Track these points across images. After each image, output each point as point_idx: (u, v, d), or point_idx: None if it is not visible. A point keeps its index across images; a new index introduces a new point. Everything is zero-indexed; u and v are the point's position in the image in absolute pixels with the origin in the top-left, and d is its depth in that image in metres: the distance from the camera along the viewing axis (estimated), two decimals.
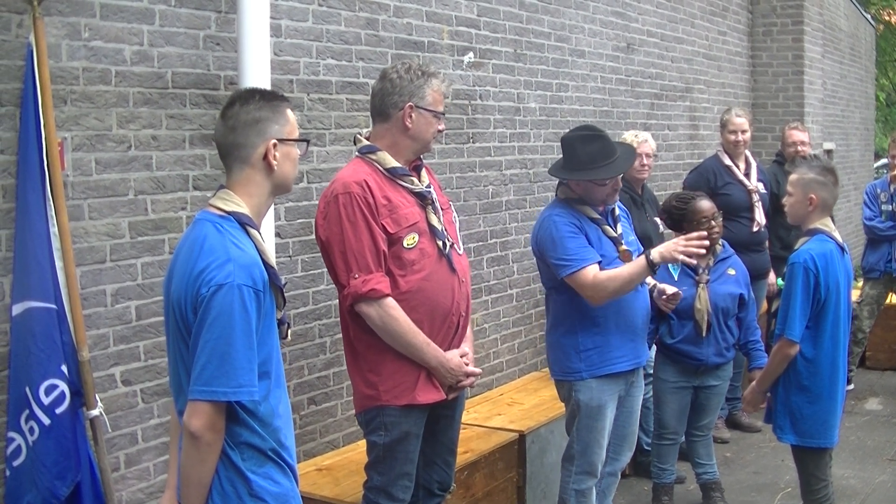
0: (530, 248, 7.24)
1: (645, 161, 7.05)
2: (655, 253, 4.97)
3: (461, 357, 4.48)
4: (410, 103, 4.36)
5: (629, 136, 7.18)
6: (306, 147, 3.38)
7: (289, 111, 3.27)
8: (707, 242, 5.05)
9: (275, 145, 3.19)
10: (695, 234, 5.06)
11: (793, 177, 5.15)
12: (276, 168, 3.20)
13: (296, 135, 3.29)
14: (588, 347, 5.13)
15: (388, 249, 4.28)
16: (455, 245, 4.50)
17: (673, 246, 4.98)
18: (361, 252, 4.22)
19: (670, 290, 5.36)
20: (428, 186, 4.46)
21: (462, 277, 4.50)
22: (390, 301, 4.25)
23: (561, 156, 5.20)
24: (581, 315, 5.11)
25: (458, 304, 4.48)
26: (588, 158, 5.06)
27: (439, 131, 4.50)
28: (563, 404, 5.49)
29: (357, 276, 4.22)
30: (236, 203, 3.17)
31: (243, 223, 3.14)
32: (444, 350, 4.41)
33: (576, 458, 5.28)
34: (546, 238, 5.12)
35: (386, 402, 4.35)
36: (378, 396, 4.36)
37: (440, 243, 4.39)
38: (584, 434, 5.22)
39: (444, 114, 4.48)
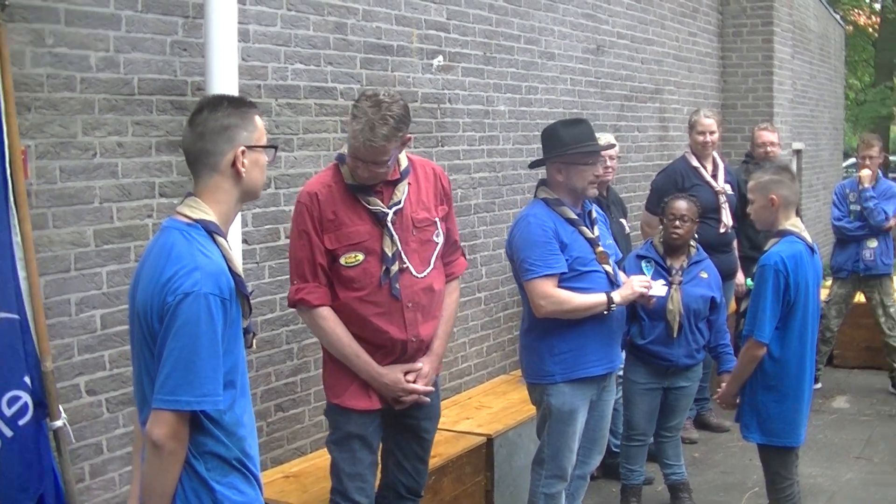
0: (499, 251, 7.31)
1: (608, 163, 7.06)
2: (617, 295, 5.12)
3: (407, 373, 4.49)
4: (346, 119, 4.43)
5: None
6: (274, 153, 3.36)
7: (257, 117, 3.26)
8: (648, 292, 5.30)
9: (243, 152, 3.17)
10: (646, 281, 5.30)
11: (750, 184, 5.21)
12: (244, 175, 3.18)
13: (264, 141, 3.27)
14: (563, 351, 5.14)
15: (330, 265, 4.36)
16: (409, 268, 4.43)
17: (630, 293, 5.19)
18: (300, 262, 4.38)
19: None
20: (395, 204, 4.40)
21: (409, 302, 4.43)
22: (321, 311, 4.37)
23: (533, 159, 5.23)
24: (557, 318, 5.12)
25: (404, 330, 4.45)
26: (572, 139, 5.11)
27: (360, 174, 4.34)
28: (530, 407, 5.51)
29: (295, 282, 4.40)
30: (203, 211, 3.15)
31: (210, 231, 3.12)
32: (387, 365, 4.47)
33: (546, 461, 5.29)
34: (516, 238, 5.15)
35: (328, 398, 4.53)
36: (325, 390, 4.55)
37: (384, 268, 4.37)
38: (554, 438, 5.23)
39: (362, 160, 4.29)
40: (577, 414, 5.21)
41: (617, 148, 7.29)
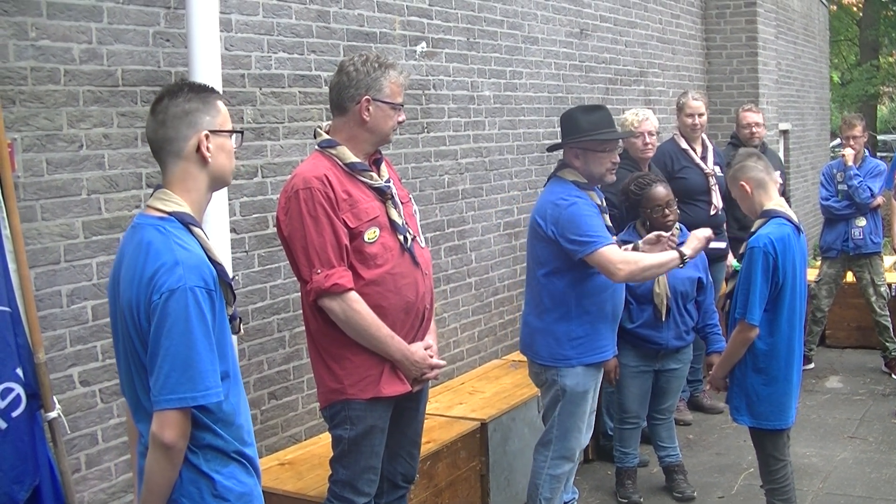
0: (487, 236, 7.32)
1: (648, 139, 7.12)
2: (688, 249, 5.21)
3: (425, 349, 4.48)
4: (367, 96, 4.32)
5: (630, 116, 7.23)
6: (240, 139, 3.34)
7: (220, 103, 3.22)
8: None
9: (207, 137, 3.13)
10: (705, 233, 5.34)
11: (727, 179, 5.32)
12: (210, 160, 3.14)
13: (228, 126, 3.23)
14: (580, 336, 5.25)
15: (350, 244, 4.26)
16: (417, 238, 4.49)
17: (698, 244, 5.27)
18: (323, 247, 4.20)
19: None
20: (387, 181, 4.44)
21: (425, 270, 4.50)
22: (353, 295, 4.23)
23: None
24: (577, 303, 5.21)
25: (424, 297, 4.47)
26: (591, 126, 5.18)
27: (399, 123, 4.47)
28: (524, 391, 5.54)
29: (319, 271, 4.20)
30: (176, 202, 3.11)
31: (186, 223, 3.10)
32: (409, 342, 4.41)
33: (553, 442, 5.36)
34: (565, 216, 5.15)
35: (351, 395, 4.34)
36: (343, 390, 4.34)
37: (401, 237, 4.37)
38: (565, 419, 5.32)
39: (402, 105, 4.44)
40: (588, 395, 5.35)
41: (656, 123, 7.28)
